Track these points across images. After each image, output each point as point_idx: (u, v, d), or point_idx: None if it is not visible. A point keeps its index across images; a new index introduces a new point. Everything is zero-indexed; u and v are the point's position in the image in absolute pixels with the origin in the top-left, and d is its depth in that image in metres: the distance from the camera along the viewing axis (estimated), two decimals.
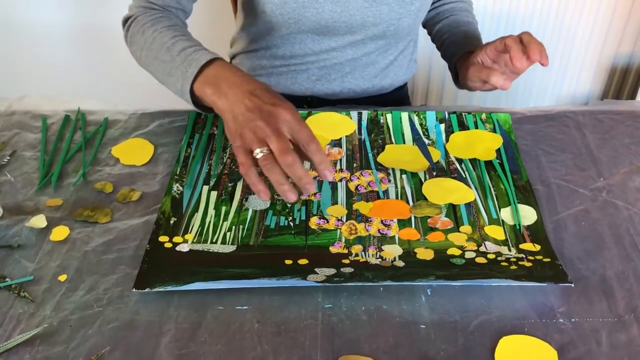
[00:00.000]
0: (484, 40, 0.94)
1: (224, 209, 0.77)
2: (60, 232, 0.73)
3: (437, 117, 0.92)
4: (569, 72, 1.76)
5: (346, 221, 0.75)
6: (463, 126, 0.91)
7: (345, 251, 0.71)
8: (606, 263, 0.69)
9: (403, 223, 0.75)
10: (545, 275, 0.66)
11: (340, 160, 0.85)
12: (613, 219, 0.75)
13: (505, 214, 0.76)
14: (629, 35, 1.70)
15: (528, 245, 0.71)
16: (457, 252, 0.70)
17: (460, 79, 0.95)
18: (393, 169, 0.83)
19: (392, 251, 0.70)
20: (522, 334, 0.61)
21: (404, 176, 0.82)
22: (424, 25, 1.11)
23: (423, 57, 1.62)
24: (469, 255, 0.69)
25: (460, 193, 0.79)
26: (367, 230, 0.73)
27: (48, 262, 0.69)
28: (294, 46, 1.00)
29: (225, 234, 0.73)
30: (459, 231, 0.73)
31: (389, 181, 0.81)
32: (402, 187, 0.80)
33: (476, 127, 0.90)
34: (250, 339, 0.61)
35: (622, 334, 0.61)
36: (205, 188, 0.80)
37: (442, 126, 0.91)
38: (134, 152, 0.87)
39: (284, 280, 0.65)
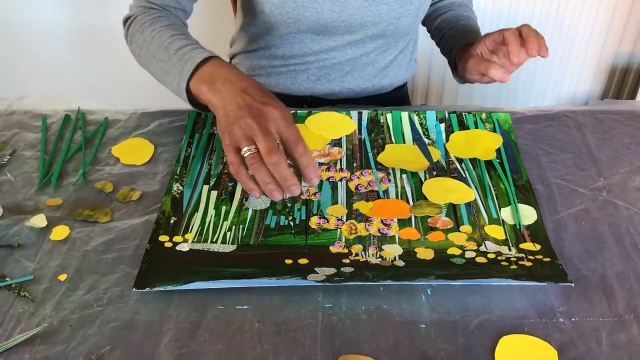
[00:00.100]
0: None
1: (224, 208, 0.77)
2: (60, 232, 0.73)
3: (437, 117, 0.92)
4: (569, 72, 1.76)
5: (346, 221, 0.75)
6: (463, 126, 0.91)
7: (346, 251, 0.71)
8: (606, 263, 0.69)
9: (403, 223, 0.75)
10: (545, 275, 0.66)
11: (340, 159, 0.85)
12: (613, 218, 0.75)
13: (506, 213, 0.76)
14: (629, 35, 1.70)
15: (528, 245, 0.71)
16: (457, 251, 0.70)
17: (459, 72, 0.95)
18: (393, 169, 0.83)
19: (392, 251, 0.70)
20: (522, 334, 0.61)
21: (404, 176, 0.82)
22: (423, 22, 1.11)
23: (423, 56, 1.62)
24: (469, 254, 0.69)
25: (461, 193, 0.79)
26: (367, 230, 0.73)
27: (48, 261, 0.69)
28: (294, 46, 1.00)
29: (225, 234, 0.73)
30: (459, 231, 0.73)
31: (389, 181, 0.81)
32: (402, 187, 0.80)
33: (476, 127, 0.90)
34: (250, 338, 0.61)
35: (622, 334, 0.61)
36: (206, 188, 0.80)
37: (442, 126, 0.91)
38: (134, 151, 0.87)
39: (284, 280, 0.65)
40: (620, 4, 1.63)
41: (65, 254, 0.70)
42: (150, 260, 0.68)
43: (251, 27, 1.02)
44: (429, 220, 0.75)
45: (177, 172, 0.82)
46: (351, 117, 0.92)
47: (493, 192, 0.79)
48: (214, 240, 0.72)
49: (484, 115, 0.92)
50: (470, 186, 0.80)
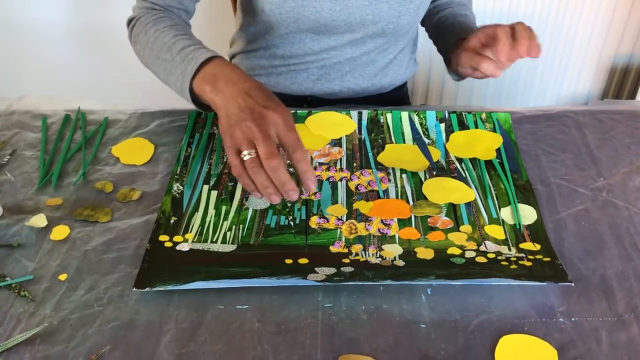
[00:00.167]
0: None
1: (224, 208, 0.77)
2: (60, 232, 0.73)
3: (437, 117, 0.92)
4: (569, 72, 1.76)
5: (346, 220, 0.75)
6: (463, 126, 0.91)
7: (346, 250, 0.71)
8: (606, 263, 0.69)
9: (403, 222, 0.75)
10: (545, 275, 0.66)
11: (340, 159, 0.85)
12: (613, 218, 0.75)
13: (505, 213, 0.76)
14: (629, 35, 1.70)
15: (528, 245, 0.71)
16: (457, 251, 0.70)
17: (452, 65, 0.95)
18: (393, 169, 0.83)
19: (392, 250, 0.70)
20: (522, 334, 0.61)
21: (404, 176, 0.82)
22: (421, 21, 1.10)
23: (423, 57, 1.62)
24: (469, 254, 0.69)
25: (460, 192, 0.79)
26: (367, 230, 0.73)
27: (48, 261, 0.69)
28: (293, 46, 0.99)
29: (225, 234, 0.73)
30: (459, 231, 0.73)
31: (389, 181, 0.81)
32: (402, 187, 0.80)
33: (476, 127, 0.90)
34: (250, 338, 0.61)
35: (622, 334, 0.61)
36: (206, 187, 0.80)
37: (442, 126, 0.91)
38: (134, 151, 0.87)
39: (284, 280, 0.65)
40: (620, 4, 1.63)
41: (65, 253, 0.70)
42: (151, 260, 0.68)
43: (251, 27, 1.02)
44: (429, 220, 0.75)
45: (177, 172, 0.82)
46: (351, 117, 0.92)
47: (493, 192, 0.79)
48: (214, 240, 0.72)
49: (484, 115, 0.92)
50: (470, 186, 0.80)
